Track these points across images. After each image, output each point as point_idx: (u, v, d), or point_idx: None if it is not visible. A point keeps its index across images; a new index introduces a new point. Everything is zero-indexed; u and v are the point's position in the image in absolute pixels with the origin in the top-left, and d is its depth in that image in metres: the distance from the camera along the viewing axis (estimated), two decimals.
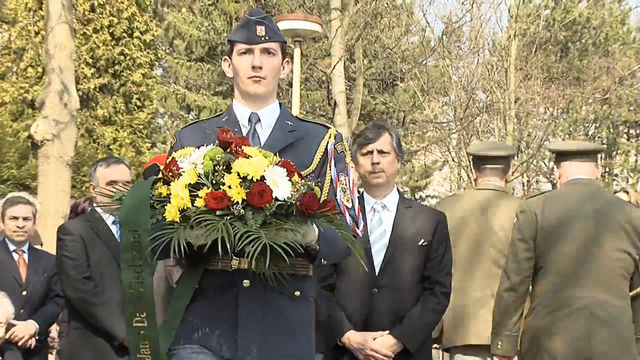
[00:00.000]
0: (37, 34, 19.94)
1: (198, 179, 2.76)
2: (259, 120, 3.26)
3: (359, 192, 4.43)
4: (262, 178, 2.75)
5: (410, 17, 28.42)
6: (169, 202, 2.75)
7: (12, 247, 6.06)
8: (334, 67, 18.14)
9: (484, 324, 5.11)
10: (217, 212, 2.69)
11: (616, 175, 34.45)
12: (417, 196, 34.30)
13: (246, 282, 2.95)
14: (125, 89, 21.67)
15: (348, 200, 3.26)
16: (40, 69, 18.77)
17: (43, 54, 12.06)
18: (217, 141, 2.91)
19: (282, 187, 2.78)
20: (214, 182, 2.76)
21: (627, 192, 7.22)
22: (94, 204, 5.74)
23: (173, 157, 2.89)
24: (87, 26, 20.88)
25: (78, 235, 5.54)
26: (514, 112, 26.18)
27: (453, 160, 28.54)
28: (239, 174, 2.75)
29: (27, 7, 21.10)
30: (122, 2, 21.52)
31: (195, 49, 26.43)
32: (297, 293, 3.06)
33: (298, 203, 2.77)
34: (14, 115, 20.50)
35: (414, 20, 28.79)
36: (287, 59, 3.34)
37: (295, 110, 13.00)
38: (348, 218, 3.21)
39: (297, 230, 2.76)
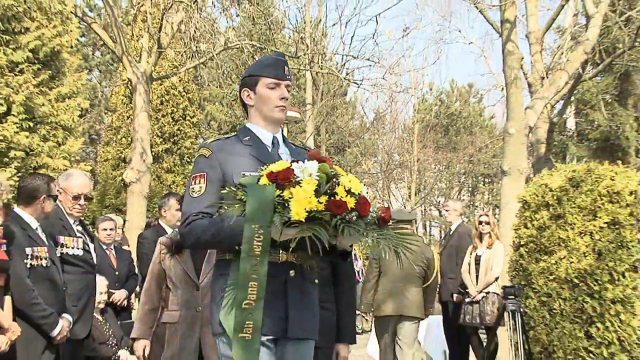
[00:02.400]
0: (128, 117, 19.95)
1: (317, 187, 2.16)
2: (278, 142, 2.59)
3: None
4: (360, 192, 2.23)
5: (354, 109, 28.77)
6: (289, 204, 2.12)
7: (104, 247, 6.09)
8: (307, 139, 18.30)
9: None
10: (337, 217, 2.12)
11: (476, 207, 34.63)
12: None
13: (292, 272, 2.38)
14: (180, 151, 21.66)
15: None
16: (129, 139, 18.74)
17: (131, 130, 12.08)
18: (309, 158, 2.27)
19: None
20: (327, 191, 2.17)
21: (487, 215, 6.83)
22: (159, 221, 5.82)
23: (290, 168, 2.19)
24: (158, 113, 20.93)
25: (150, 239, 5.61)
26: (416, 167, 26.46)
27: (379, 197, 28.69)
28: (344, 187, 2.20)
29: (122, 101, 21.21)
30: (179, 98, 21.63)
31: (223, 127, 26.45)
32: (315, 280, 2.51)
33: (382, 214, 2.26)
34: (113, 167, 20.50)
35: (357, 111, 29.11)
36: None
37: None
38: None
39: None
